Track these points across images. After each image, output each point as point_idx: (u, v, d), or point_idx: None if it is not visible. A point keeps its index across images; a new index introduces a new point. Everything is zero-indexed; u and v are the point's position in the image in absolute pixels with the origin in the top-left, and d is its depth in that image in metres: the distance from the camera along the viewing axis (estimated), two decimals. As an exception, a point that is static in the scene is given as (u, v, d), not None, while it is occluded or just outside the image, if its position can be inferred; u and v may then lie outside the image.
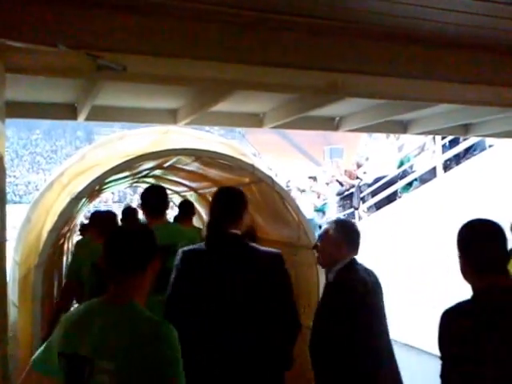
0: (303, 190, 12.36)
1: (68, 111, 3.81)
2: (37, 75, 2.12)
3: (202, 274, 2.53)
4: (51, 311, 3.93)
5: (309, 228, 4.65)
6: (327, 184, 11.45)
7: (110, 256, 1.95)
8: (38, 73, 2.12)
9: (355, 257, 3.01)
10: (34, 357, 2.02)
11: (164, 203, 4.06)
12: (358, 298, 2.80)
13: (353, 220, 10.07)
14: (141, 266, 1.94)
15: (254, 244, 2.74)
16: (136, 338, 1.80)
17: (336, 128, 4.66)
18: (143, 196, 4.04)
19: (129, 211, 6.04)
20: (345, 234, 3.01)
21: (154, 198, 3.97)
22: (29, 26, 1.94)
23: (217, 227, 2.62)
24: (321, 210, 11.59)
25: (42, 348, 2.04)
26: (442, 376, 2.09)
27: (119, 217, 5.34)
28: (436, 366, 2.14)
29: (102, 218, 4.38)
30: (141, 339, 1.80)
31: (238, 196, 2.72)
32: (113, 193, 37.51)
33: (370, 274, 3.02)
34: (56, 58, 2.03)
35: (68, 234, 7.21)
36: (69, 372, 1.90)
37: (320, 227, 11.42)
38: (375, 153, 9.72)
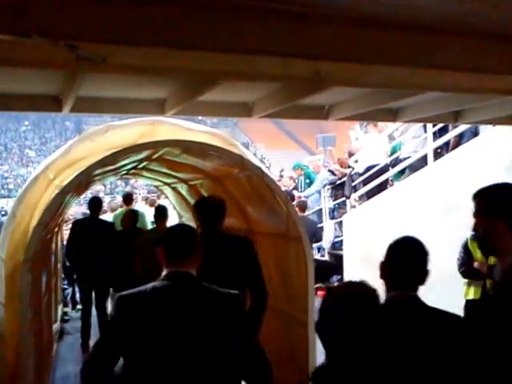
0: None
1: (52, 103, 3.73)
2: (12, 67, 2.05)
3: None
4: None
5: (298, 219, 4.62)
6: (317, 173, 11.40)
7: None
8: (13, 64, 2.05)
9: None
10: None
11: None
12: None
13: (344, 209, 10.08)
14: None
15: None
16: None
17: (326, 116, 4.61)
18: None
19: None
20: None
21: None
22: (1, 15, 1.86)
23: None
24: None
25: None
26: None
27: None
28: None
29: None
30: None
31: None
32: (104, 185, 37.37)
33: None
34: (32, 49, 1.96)
35: (56, 229, 7.13)
36: None
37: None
38: (366, 143, 9.68)
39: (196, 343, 2.25)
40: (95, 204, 7.40)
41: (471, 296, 5.16)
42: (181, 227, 2.65)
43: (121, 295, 2.30)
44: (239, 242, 3.85)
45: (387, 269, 2.39)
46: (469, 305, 5.06)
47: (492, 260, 4.84)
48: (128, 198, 9.60)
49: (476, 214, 2.16)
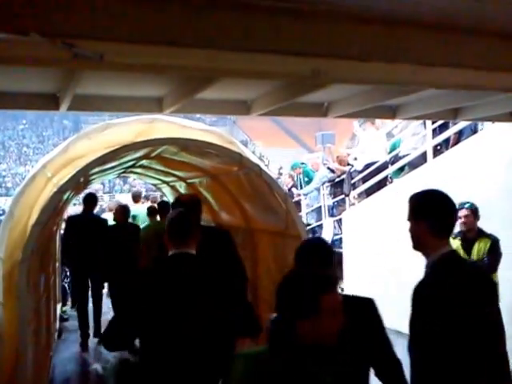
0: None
1: (50, 101, 3.71)
2: (9, 65, 2.03)
3: None
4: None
5: (297, 217, 4.60)
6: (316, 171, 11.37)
7: None
8: (11, 62, 2.03)
9: None
10: None
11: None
12: None
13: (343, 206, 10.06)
14: None
15: None
16: None
17: (325, 114, 4.59)
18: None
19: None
20: None
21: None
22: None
23: None
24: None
25: None
26: None
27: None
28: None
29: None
30: None
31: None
32: (102, 183, 37.27)
33: None
34: (29, 47, 1.94)
35: (55, 228, 7.10)
36: None
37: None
38: (365, 141, 9.67)
39: (199, 312, 2.64)
40: (89, 200, 7.54)
41: None
42: (177, 215, 2.99)
43: (137, 272, 2.86)
44: (219, 233, 4.31)
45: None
46: None
47: (475, 257, 4.97)
48: (137, 197, 10.60)
49: (408, 217, 2.47)
